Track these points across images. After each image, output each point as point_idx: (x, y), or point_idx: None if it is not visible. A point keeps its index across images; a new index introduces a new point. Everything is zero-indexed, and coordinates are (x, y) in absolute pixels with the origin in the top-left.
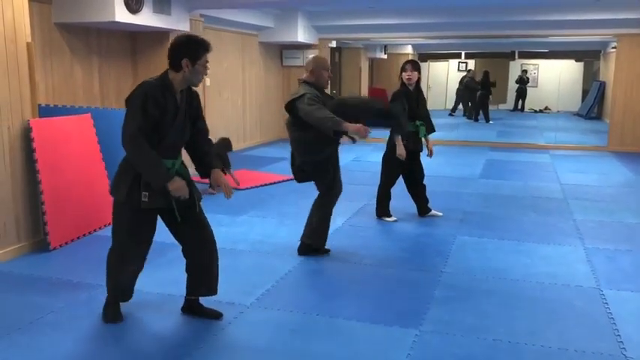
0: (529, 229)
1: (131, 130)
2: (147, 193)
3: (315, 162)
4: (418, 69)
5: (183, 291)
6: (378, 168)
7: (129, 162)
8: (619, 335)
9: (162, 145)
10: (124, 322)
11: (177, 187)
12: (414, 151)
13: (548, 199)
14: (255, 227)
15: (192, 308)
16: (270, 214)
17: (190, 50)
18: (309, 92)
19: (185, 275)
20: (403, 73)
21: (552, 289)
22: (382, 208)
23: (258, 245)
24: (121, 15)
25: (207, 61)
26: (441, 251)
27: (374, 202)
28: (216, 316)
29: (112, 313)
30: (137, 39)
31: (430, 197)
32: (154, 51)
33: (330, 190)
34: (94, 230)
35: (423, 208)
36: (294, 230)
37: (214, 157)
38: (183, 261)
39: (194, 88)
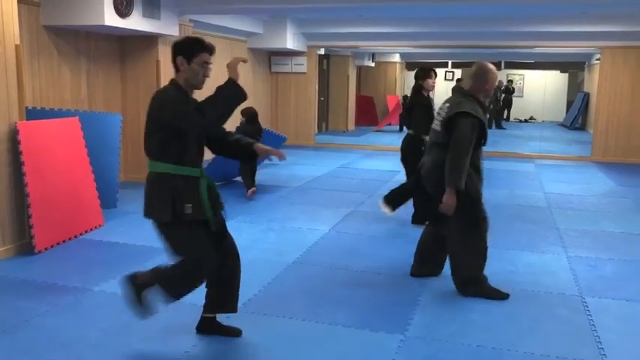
0: (513, 236)
1: (192, 114)
2: (190, 205)
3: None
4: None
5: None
6: (365, 175)
7: (160, 177)
8: (600, 342)
9: (191, 151)
10: (111, 326)
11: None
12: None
13: (533, 207)
14: (243, 233)
15: (210, 327)
16: (257, 219)
17: (184, 48)
18: (474, 111)
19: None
20: (428, 80)
21: (535, 297)
22: (393, 198)
23: (245, 250)
24: (111, 19)
25: (205, 62)
26: None
27: (361, 208)
28: (237, 333)
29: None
30: (126, 43)
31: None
32: (143, 55)
33: (474, 227)
34: (80, 234)
35: (417, 217)
36: (281, 236)
37: (245, 138)
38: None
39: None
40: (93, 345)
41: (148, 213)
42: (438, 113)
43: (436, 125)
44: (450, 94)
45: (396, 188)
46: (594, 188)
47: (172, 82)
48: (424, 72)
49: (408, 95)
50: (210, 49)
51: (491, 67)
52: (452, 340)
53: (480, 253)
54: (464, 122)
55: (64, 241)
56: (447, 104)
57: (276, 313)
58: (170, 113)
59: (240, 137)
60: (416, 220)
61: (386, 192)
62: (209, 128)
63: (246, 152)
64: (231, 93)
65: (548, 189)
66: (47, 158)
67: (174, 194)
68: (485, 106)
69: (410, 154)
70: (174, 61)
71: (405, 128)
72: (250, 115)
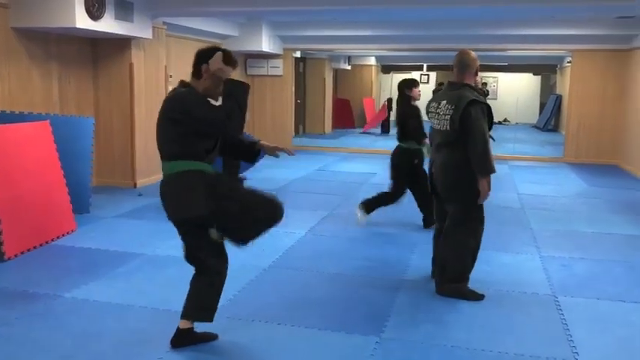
0: (488, 237)
1: (219, 115)
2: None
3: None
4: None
5: (144, 301)
6: (343, 178)
7: (189, 173)
8: (572, 340)
9: (213, 151)
10: (82, 333)
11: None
12: (418, 164)
13: (507, 208)
14: None
15: (187, 339)
16: None
17: (208, 55)
18: (476, 97)
19: (146, 286)
20: (414, 90)
21: (509, 296)
22: (368, 206)
23: None
24: (82, 21)
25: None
26: (402, 259)
27: (338, 211)
28: (213, 338)
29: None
30: (98, 46)
31: (391, 207)
32: (116, 58)
33: (468, 216)
34: (52, 239)
35: (428, 220)
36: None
37: (248, 137)
38: (143, 271)
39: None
40: (64, 353)
41: (180, 212)
42: (437, 112)
43: (439, 125)
44: (427, 97)
45: (376, 196)
46: (567, 189)
47: (187, 85)
48: (411, 82)
49: (392, 98)
50: (235, 64)
51: (471, 52)
52: (427, 341)
53: (471, 254)
54: (473, 110)
55: (34, 247)
56: (444, 101)
57: (251, 317)
58: (200, 117)
59: (242, 137)
60: (427, 223)
61: (363, 194)
62: (235, 131)
63: (251, 152)
64: (235, 90)
65: (521, 190)
66: (16, 163)
67: (208, 189)
68: (480, 90)
69: (404, 168)
70: (197, 67)
71: (389, 131)
72: None
